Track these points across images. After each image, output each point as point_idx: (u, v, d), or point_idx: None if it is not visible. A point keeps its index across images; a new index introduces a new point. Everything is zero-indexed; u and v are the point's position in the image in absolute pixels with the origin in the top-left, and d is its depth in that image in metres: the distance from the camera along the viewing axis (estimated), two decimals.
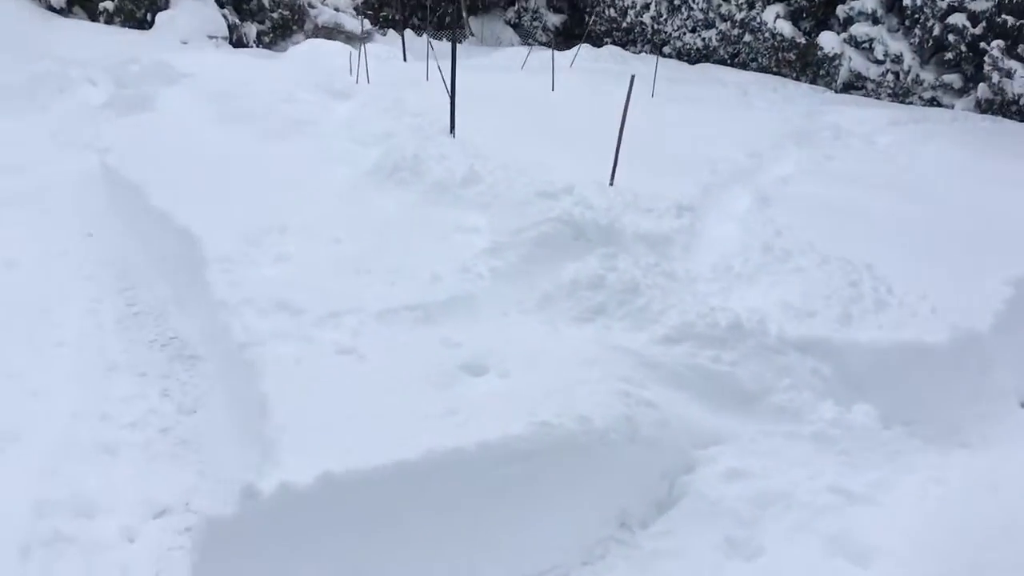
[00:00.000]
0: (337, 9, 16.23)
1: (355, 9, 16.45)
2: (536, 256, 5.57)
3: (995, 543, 3.82)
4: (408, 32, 15.61)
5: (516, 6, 17.98)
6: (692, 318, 4.76)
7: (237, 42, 14.79)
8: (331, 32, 15.69)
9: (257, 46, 15.02)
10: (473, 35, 18.25)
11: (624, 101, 7.04)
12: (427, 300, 5.24)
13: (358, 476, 3.55)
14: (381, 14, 17.51)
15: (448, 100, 8.33)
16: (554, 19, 17.83)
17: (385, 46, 13.73)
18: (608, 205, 6.26)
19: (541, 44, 17.02)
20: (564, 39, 16.73)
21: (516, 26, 18.21)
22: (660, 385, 4.48)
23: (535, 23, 17.72)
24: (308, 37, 14.97)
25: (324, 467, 3.53)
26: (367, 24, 15.85)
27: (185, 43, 13.68)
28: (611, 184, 6.84)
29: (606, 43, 16.59)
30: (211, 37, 14.09)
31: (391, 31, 16.98)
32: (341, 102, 9.82)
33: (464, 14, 18.22)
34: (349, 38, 14.83)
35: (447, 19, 17.84)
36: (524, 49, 14.90)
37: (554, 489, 3.92)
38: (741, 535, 3.97)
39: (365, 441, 3.76)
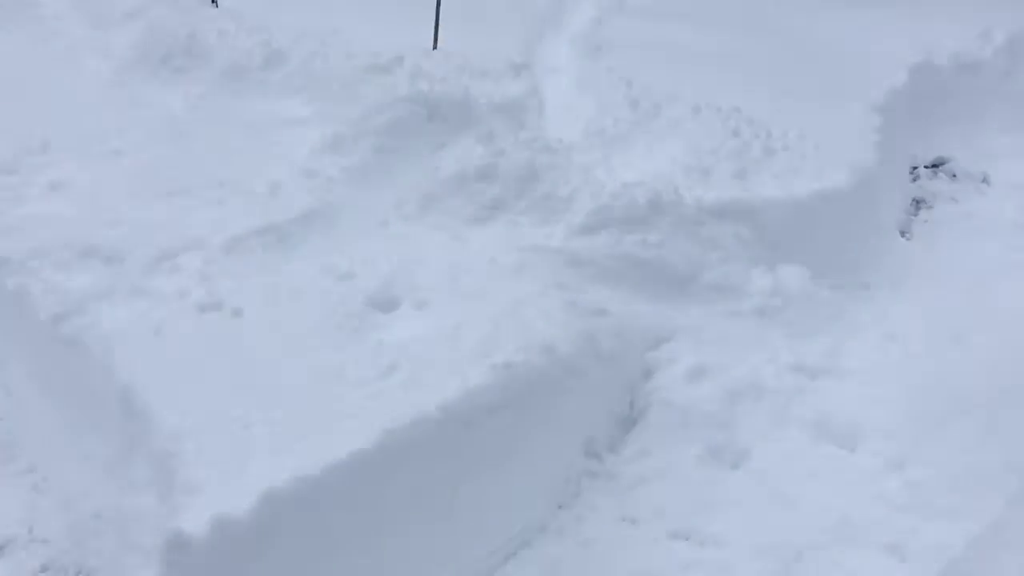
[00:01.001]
0: None
1: None
2: (390, 146, 4.59)
3: (972, 389, 3.58)
4: None
5: None
6: (606, 200, 4.06)
7: None
8: None
9: None
10: None
11: None
12: (276, 219, 4.17)
13: (308, 485, 2.63)
14: None
15: None
16: None
17: None
18: (443, 74, 5.32)
19: None
20: None
21: None
22: (595, 284, 3.80)
23: None
24: None
25: (262, 484, 2.58)
26: None
27: None
28: (435, 48, 5.85)
29: None
30: None
31: None
32: None
33: None
34: None
35: None
36: None
37: (522, 436, 3.18)
38: (720, 439, 3.47)
39: (297, 434, 2.82)
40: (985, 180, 5.68)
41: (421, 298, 3.54)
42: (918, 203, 5.45)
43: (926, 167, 5.81)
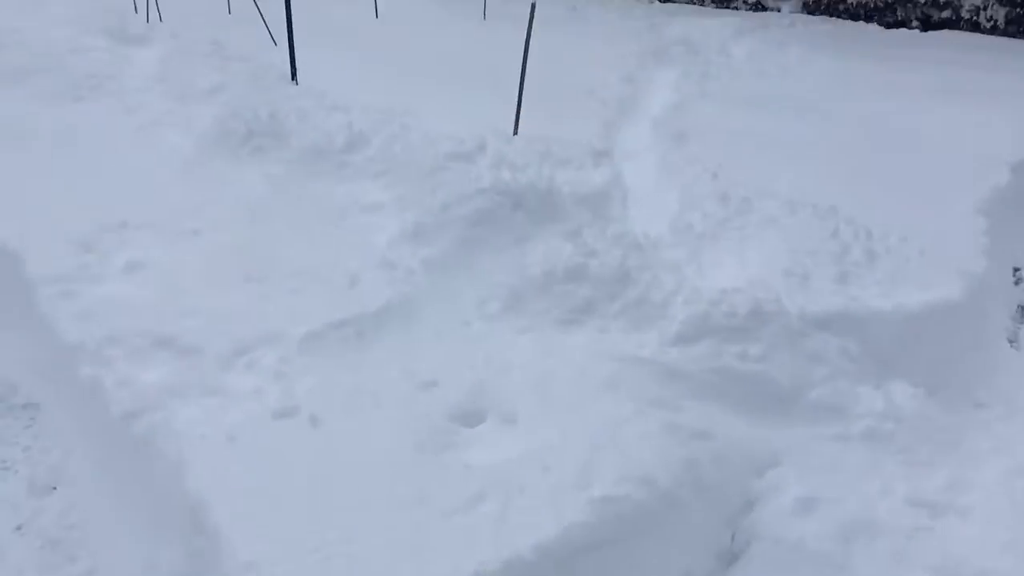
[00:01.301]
0: None
1: None
2: (473, 238, 4.39)
3: None
4: None
5: None
6: (704, 307, 3.79)
7: None
8: None
9: None
10: None
11: (532, 34, 5.83)
12: (355, 313, 3.98)
13: None
14: None
15: (275, 37, 6.80)
16: None
17: None
18: (525, 161, 5.14)
19: None
20: None
21: None
22: (693, 400, 3.51)
23: None
24: None
25: None
26: None
27: None
28: (515, 134, 5.69)
29: None
30: None
31: None
32: (140, 48, 7.95)
33: None
34: None
35: None
36: None
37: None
38: None
39: (379, 572, 2.56)
40: None
41: (508, 411, 3.29)
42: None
43: None
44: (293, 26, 6.69)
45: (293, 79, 6.79)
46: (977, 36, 9.71)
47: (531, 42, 5.61)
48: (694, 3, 12.08)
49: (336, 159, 5.27)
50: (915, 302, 4.10)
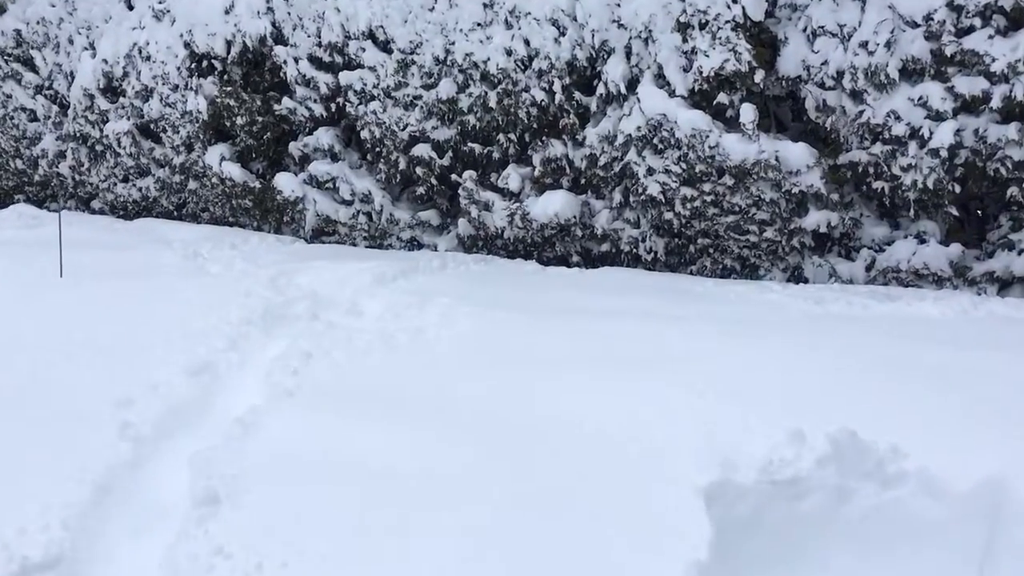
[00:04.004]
0: None
1: None
2: None
3: None
4: None
5: None
6: None
7: None
8: None
9: None
10: None
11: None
12: None
13: None
14: None
15: None
16: None
17: None
18: None
19: None
20: None
21: None
22: None
23: None
24: None
25: None
26: None
27: None
28: None
29: (17, 200, 12.20)
30: None
31: None
32: None
33: None
34: None
35: None
36: None
37: None
38: None
39: None
40: None
41: None
42: None
43: None
44: None
45: None
46: (639, 272, 8.47)
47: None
48: (344, 241, 10.25)
49: None
50: None
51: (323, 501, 3.72)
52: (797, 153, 7.51)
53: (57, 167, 11.78)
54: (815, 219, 7.72)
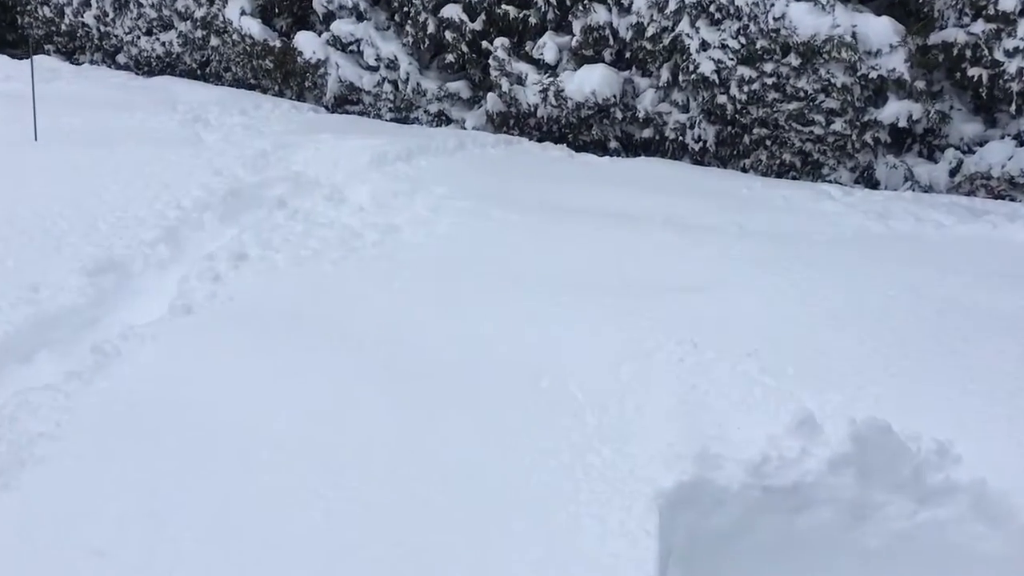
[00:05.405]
0: None
1: None
2: None
3: None
4: None
5: None
6: None
7: None
8: None
9: None
10: None
11: None
12: None
13: None
14: None
15: None
16: None
17: None
18: None
19: None
20: None
21: None
22: None
23: None
24: None
25: None
26: None
27: None
28: None
29: (47, 51, 11.40)
30: None
31: None
32: None
33: None
34: None
35: None
36: None
37: None
38: None
39: None
40: None
41: None
42: None
43: None
44: None
45: None
46: (679, 166, 7.14)
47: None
48: (368, 111, 9.12)
49: None
50: None
51: (127, 476, 2.76)
52: (879, 29, 5.98)
53: (82, 16, 10.86)
54: (894, 110, 6.24)
